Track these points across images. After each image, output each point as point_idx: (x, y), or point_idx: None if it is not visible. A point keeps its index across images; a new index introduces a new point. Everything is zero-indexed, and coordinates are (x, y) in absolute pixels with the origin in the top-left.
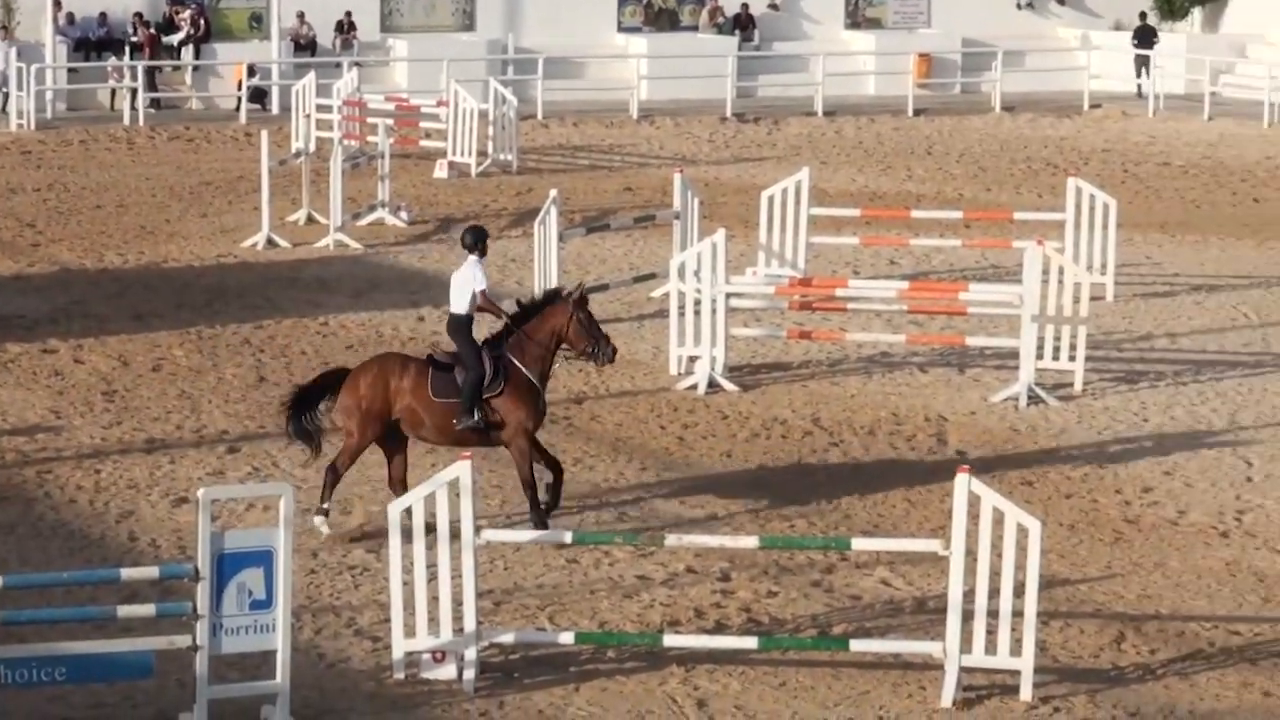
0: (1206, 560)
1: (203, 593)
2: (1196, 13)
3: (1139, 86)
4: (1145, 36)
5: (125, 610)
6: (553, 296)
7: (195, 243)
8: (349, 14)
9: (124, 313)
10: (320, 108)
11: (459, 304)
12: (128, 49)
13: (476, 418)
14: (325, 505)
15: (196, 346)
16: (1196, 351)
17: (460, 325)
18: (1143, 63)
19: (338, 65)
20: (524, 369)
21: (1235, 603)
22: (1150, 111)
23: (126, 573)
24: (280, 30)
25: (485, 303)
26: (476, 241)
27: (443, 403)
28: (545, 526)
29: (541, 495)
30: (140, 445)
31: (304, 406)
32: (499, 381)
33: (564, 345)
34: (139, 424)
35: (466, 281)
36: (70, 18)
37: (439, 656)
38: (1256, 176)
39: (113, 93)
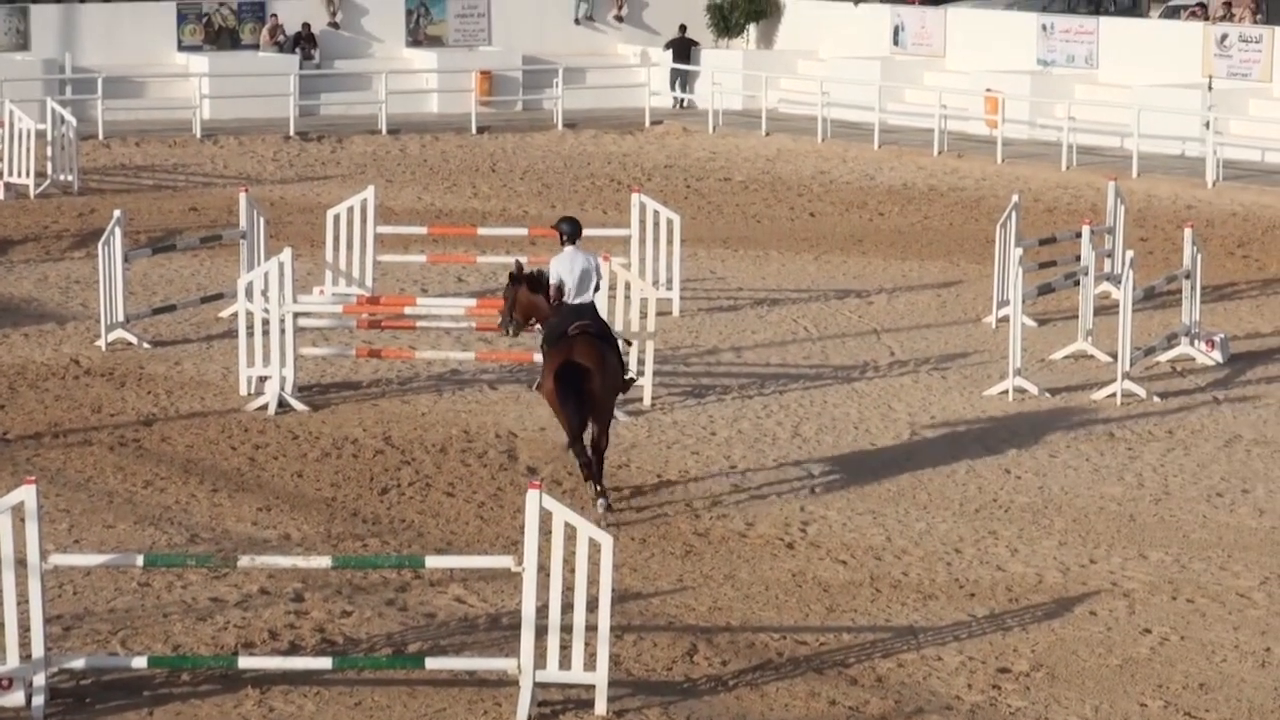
0: (774, 571)
1: None
2: (751, 29)
3: (676, 100)
4: (682, 49)
5: None
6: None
7: None
8: None
9: None
10: None
11: (586, 292)
12: None
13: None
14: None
15: None
16: (761, 365)
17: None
18: (679, 76)
19: None
20: None
21: (802, 613)
22: (710, 127)
23: None
24: None
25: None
26: (576, 231)
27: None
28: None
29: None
30: None
31: (584, 427)
32: None
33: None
34: None
35: (591, 271)
36: None
37: (6, 683)
38: (812, 191)
39: None
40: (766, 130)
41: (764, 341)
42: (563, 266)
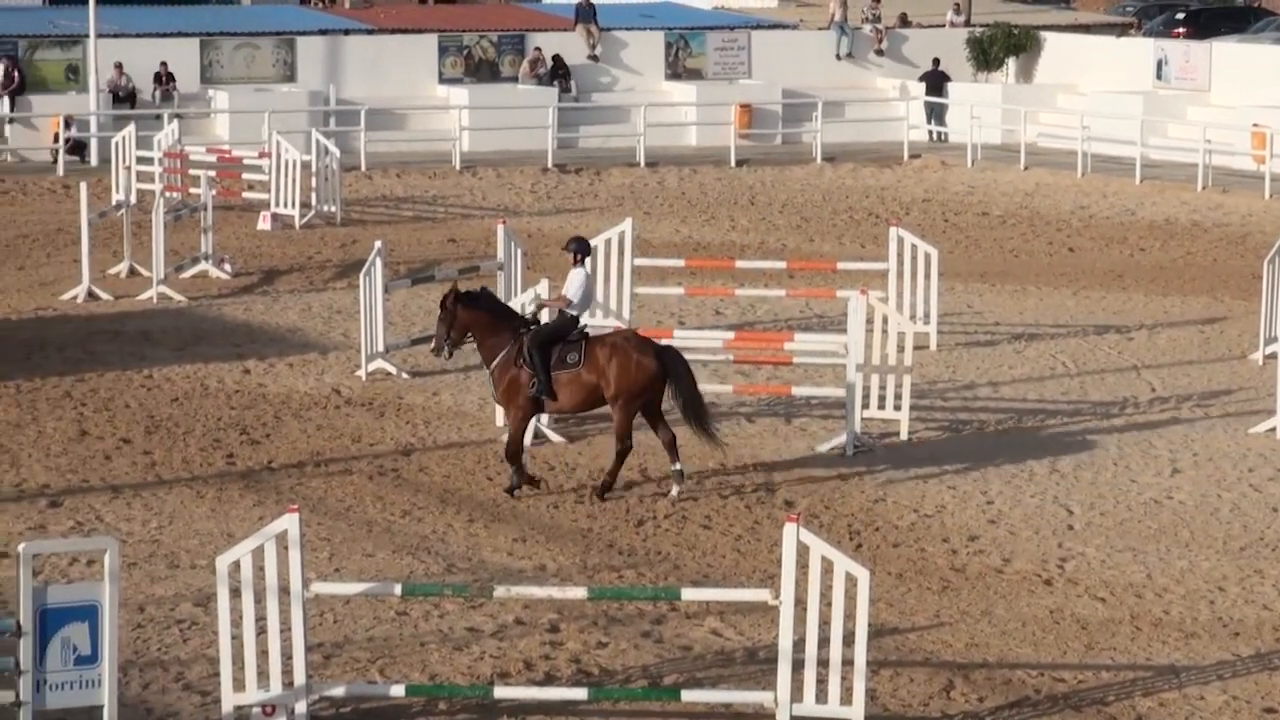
0: (1031, 608)
1: (25, 648)
2: (1010, 63)
3: (931, 133)
4: (936, 83)
5: None
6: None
7: (12, 296)
8: (165, 65)
9: None
10: (141, 159)
11: (583, 309)
12: None
13: None
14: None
15: (15, 400)
16: (1018, 400)
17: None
18: (932, 110)
19: (157, 117)
20: None
21: (1059, 650)
22: (968, 161)
23: None
24: (99, 82)
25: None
26: (585, 251)
27: None
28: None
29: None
30: None
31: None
32: None
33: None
34: None
35: (591, 291)
36: None
37: (269, 710)
38: (1071, 226)
39: None
40: (1025, 164)
41: (1021, 376)
42: (574, 284)
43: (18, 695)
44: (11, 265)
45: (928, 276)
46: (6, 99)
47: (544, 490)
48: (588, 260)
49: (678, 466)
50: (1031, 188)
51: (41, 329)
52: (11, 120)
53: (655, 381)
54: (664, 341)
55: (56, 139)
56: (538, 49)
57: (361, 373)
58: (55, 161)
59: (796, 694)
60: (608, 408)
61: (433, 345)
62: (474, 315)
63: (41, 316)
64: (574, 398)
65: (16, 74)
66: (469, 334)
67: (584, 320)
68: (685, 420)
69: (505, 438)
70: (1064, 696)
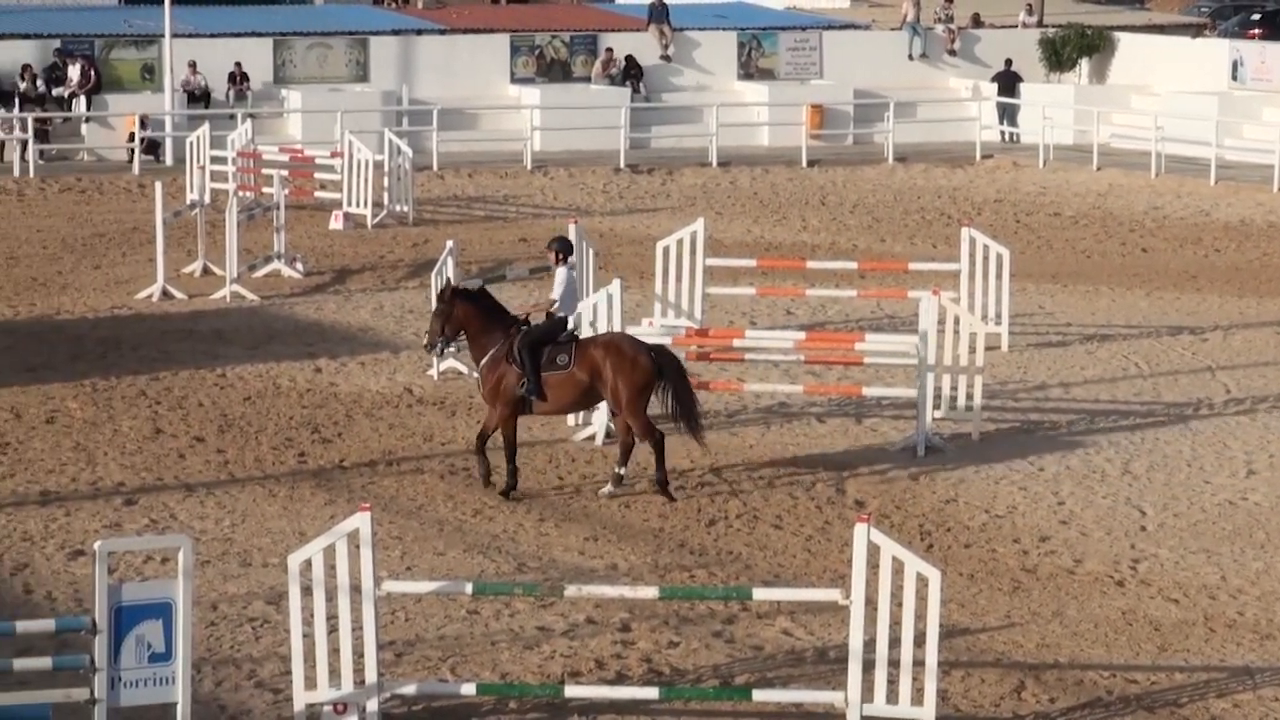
0: (1103, 609)
1: (100, 646)
2: (1083, 64)
3: (1003, 133)
4: (1009, 83)
5: (21, 663)
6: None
7: (89, 294)
8: (239, 65)
9: (16, 365)
10: (214, 159)
11: (568, 308)
12: (17, 101)
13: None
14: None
15: (91, 399)
16: (1090, 401)
17: None
18: (1004, 110)
19: (231, 116)
20: None
21: (1132, 651)
22: (1040, 162)
23: (22, 625)
24: (174, 82)
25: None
26: (568, 251)
27: None
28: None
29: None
30: (34, 498)
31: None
32: None
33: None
34: (33, 476)
35: (574, 290)
36: None
37: (340, 709)
38: (1145, 226)
39: (1, 145)
40: (1098, 165)
41: (1094, 378)
42: (557, 284)
43: (93, 693)
44: (88, 264)
45: (999, 277)
46: (83, 98)
47: (489, 489)
48: (570, 260)
49: (621, 471)
50: (1104, 188)
51: (117, 328)
52: (88, 119)
53: (651, 380)
54: (735, 342)
55: (132, 138)
56: (610, 49)
57: (433, 371)
58: (130, 161)
59: (867, 694)
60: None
61: (426, 341)
62: (469, 312)
63: (117, 315)
64: (564, 399)
65: (93, 73)
66: (462, 331)
67: (572, 322)
68: (674, 419)
69: (481, 428)
70: (1137, 698)
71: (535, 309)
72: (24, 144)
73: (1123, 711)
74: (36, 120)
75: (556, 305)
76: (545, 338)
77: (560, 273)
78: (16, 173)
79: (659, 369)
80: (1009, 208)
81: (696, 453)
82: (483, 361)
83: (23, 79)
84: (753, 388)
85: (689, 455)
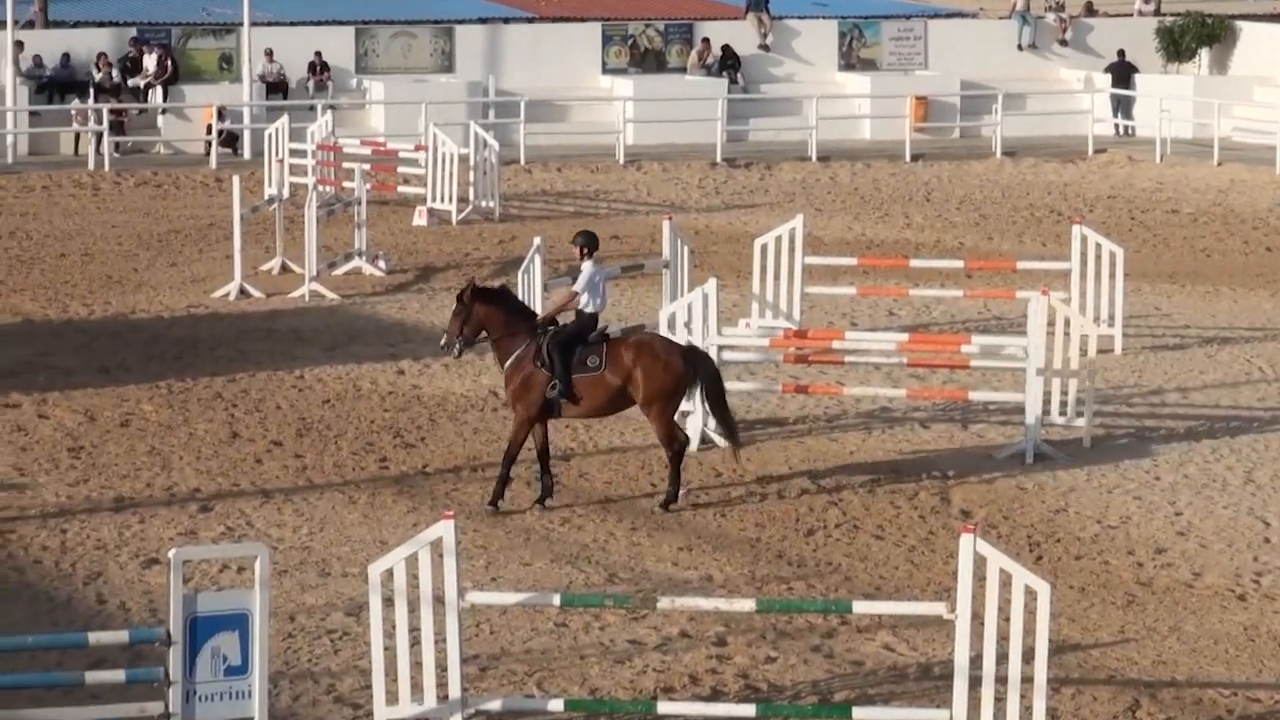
0: (1224, 624)
1: (175, 658)
2: (1203, 54)
3: (1117, 127)
4: (1123, 74)
5: (93, 676)
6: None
7: (164, 293)
8: (319, 54)
9: (90, 366)
10: (294, 152)
11: (594, 304)
12: (92, 91)
13: None
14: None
15: (166, 401)
16: (1209, 406)
17: None
18: (1118, 102)
19: (311, 108)
20: None
21: (1254, 669)
22: (1157, 157)
23: (95, 637)
24: (252, 72)
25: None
26: (593, 245)
27: None
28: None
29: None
30: (108, 504)
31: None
32: None
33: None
34: (107, 481)
35: (601, 284)
36: (38, 60)
37: None
38: (1269, 224)
39: (77, 137)
40: (1218, 160)
41: (1213, 382)
42: (584, 279)
43: (167, 707)
44: (164, 261)
45: (1113, 276)
46: (159, 89)
47: (499, 508)
48: (596, 254)
49: (678, 490)
50: (1225, 184)
51: (193, 327)
52: (164, 111)
53: (683, 382)
54: (834, 344)
55: (209, 131)
56: (706, 38)
57: None
58: (207, 154)
59: (973, 712)
60: (628, 411)
61: (443, 341)
62: (490, 312)
63: (193, 314)
64: (595, 401)
65: (169, 63)
66: (483, 332)
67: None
68: (709, 423)
69: (509, 441)
70: (1259, 717)
71: (560, 304)
72: (99, 136)
73: None
74: (112, 112)
75: (583, 299)
76: (575, 337)
77: (585, 267)
78: (91, 166)
79: (692, 371)
80: (1123, 204)
81: (794, 458)
82: (507, 363)
83: (98, 68)
84: (853, 392)
85: (787, 461)
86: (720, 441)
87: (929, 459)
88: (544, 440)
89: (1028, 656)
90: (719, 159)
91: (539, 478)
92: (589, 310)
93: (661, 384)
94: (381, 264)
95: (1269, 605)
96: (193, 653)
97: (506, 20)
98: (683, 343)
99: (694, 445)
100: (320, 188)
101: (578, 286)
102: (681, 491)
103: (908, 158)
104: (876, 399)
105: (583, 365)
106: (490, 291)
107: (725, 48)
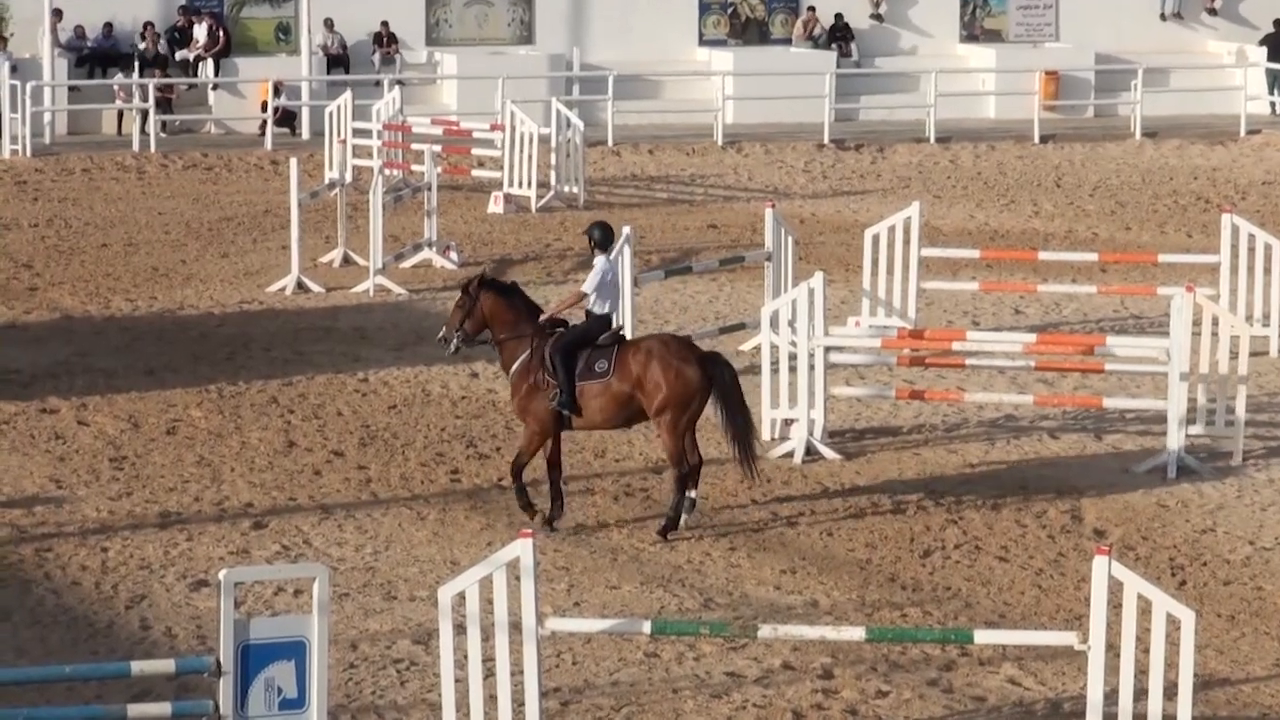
0: None
1: (225, 690)
2: None
3: (1273, 105)
4: (1279, 47)
5: (137, 709)
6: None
7: (215, 287)
8: (385, 25)
9: (134, 367)
10: (358, 132)
11: (606, 303)
12: (137, 65)
13: None
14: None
15: (217, 406)
16: None
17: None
18: (1275, 78)
19: (377, 84)
20: None
21: None
22: None
23: (138, 666)
24: (312, 44)
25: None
26: (608, 239)
27: None
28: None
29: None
30: (153, 519)
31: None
32: None
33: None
34: (152, 495)
35: (614, 282)
36: (79, 31)
37: None
38: None
39: (120, 115)
40: None
41: None
42: (594, 276)
43: None
44: (214, 252)
45: (1267, 271)
46: (210, 62)
47: (538, 523)
48: (611, 248)
49: (692, 494)
50: None
51: (246, 325)
52: (215, 86)
53: (698, 394)
54: (954, 345)
55: (264, 108)
56: (812, 7)
57: None
58: (262, 134)
59: None
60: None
61: (440, 334)
62: (496, 307)
63: (246, 311)
64: (604, 412)
65: (221, 34)
66: (486, 329)
67: (617, 321)
68: (725, 439)
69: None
70: None
71: (566, 304)
72: (144, 114)
73: None
74: (158, 88)
75: (591, 299)
76: (582, 340)
77: (598, 262)
78: (136, 147)
79: (708, 382)
80: (1279, 191)
81: (909, 471)
82: (513, 369)
83: (143, 39)
84: (975, 398)
85: (901, 475)
86: (829, 454)
87: (1059, 473)
88: (556, 453)
89: (1169, 692)
90: (827, 140)
91: (552, 498)
92: (599, 311)
93: (671, 394)
94: (453, 255)
95: None
96: (245, 684)
97: None
98: (704, 348)
99: (798, 458)
100: (386, 171)
101: (586, 286)
102: (684, 517)
103: (1036, 139)
104: (1000, 406)
105: (590, 371)
106: (500, 285)
107: (836, 17)
